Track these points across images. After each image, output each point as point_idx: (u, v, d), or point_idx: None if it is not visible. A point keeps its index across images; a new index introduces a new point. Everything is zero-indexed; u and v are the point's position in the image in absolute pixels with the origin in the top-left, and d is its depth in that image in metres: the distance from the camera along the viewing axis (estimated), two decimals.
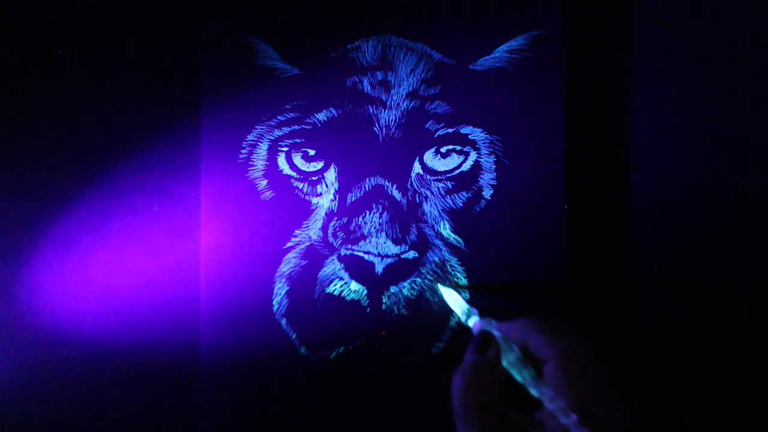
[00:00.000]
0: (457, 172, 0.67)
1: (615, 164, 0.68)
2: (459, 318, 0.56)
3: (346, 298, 0.67)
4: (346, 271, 0.67)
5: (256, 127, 0.68)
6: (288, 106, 0.68)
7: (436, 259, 0.67)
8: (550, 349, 0.48)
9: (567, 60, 0.66)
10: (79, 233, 0.69)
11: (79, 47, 0.70)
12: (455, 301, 0.58)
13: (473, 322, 0.55)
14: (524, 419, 0.48)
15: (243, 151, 0.68)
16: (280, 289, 0.68)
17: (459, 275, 0.67)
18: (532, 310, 0.66)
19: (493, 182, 0.67)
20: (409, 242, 0.67)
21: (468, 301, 0.56)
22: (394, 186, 0.67)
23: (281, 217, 0.68)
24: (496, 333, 0.52)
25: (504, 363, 0.50)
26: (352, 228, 0.67)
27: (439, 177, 0.67)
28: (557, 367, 0.47)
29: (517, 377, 0.49)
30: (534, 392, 0.48)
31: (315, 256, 0.68)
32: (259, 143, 0.68)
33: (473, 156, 0.67)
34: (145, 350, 0.69)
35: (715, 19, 0.68)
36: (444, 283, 0.65)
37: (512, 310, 0.67)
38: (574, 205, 0.67)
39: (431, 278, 0.67)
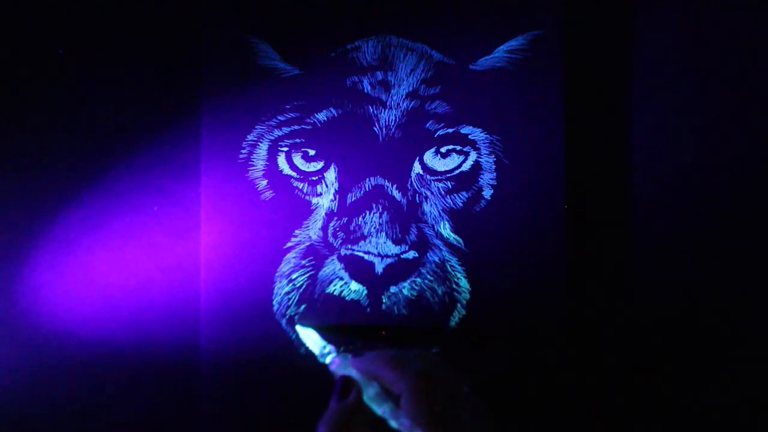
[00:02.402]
0: (457, 172, 0.67)
1: (615, 164, 0.68)
2: (317, 357, 0.56)
3: (346, 298, 0.67)
4: (346, 271, 0.67)
5: (256, 127, 0.68)
6: (288, 106, 0.68)
7: (436, 259, 0.67)
8: (399, 382, 0.49)
9: (567, 60, 0.66)
10: (79, 233, 0.69)
11: (79, 47, 0.70)
12: (312, 340, 0.59)
13: (330, 359, 0.56)
14: None
15: (243, 151, 0.68)
16: (280, 289, 0.68)
17: (459, 275, 0.67)
18: (531, 311, 0.66)
19: (493, 182, 0.67)
20: (409, 242, 0.67)
21: (325, 339, 0.56)
22: (394, 186, 0.67)
23: (281, 217, 0.68)
24: (353, 371, 0.53)
25: (365, 398, 0.51)
26: (352, 228, 0.67)
27: (439, 177, 0.67)
28: (410, 399, 0.48)
29: (377, 411, 0.50)
30: (394, 424, 0.49)
31: (315, 256, 0.68)
32: (259, 143, 0.68)
33: (473, 156, 0.67)
34: (145, 350, 0.69)
35: (716, 19, 0.68)
36: (303, 323, 0.66)
37: (511, 308, 0.67)
38: (574, 205, 0.67)
39: (431, 278, 0.67)
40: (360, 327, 0.67)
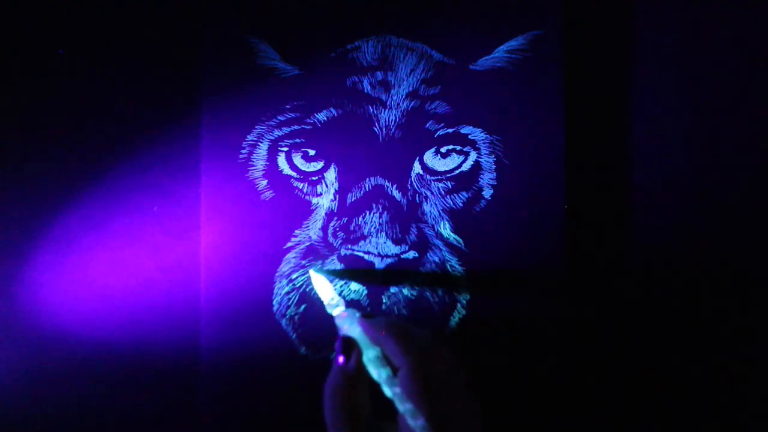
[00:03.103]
0: (457, 172, 0.67)
1: (615, 164, 0.68)
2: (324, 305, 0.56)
3: (346, 298, 0.67)
4: None
5: (256, 127, 0.68)
6: (288, 106, 0.68)
7: (436, 259, 0.67)
8: (402, 356, 0.49)
9: (567, 60, 0.66)
10: (79, 233, 0.69)
11: (79, 47, 0.70)
12: (323, 288, 0.59)
13: (338, 311, 0.55)
14: (393, 427, 0.49)
15: (243, 151, 0.68)
16: (280, 289, 0.68)
17: (459, 275, 0.67)
18: (531, 310, 0.66)
19: (493, 182, 0.67)
20: (409, 242, 0.67)
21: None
22: (394, 186, 0.67)
23: (281, 217, 0.68)
24: (357, 328, 0.52)
25: (364, 360, 0.51)
26: (352, 228, 0.67)
27: (439, 177, 0.67)
28: (408, 375, 0.48)
29: (373, 375, 0.50)
30: (387, 392, 0.49)
31: (315, 256, 0.68)
32: (259, 143, 0.68)
33: (473, 156, 0.67)
34: (145, 350, 0.69)
35: (716, 19, 0.68)
36: (318, 269, 0.65)
37: (511, 309, 0.67)
38: (574, 205, 0.67)
39: (431, 278, 0.67)
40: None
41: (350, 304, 0.67)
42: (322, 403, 0.51)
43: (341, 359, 0.51)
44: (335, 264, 0.68)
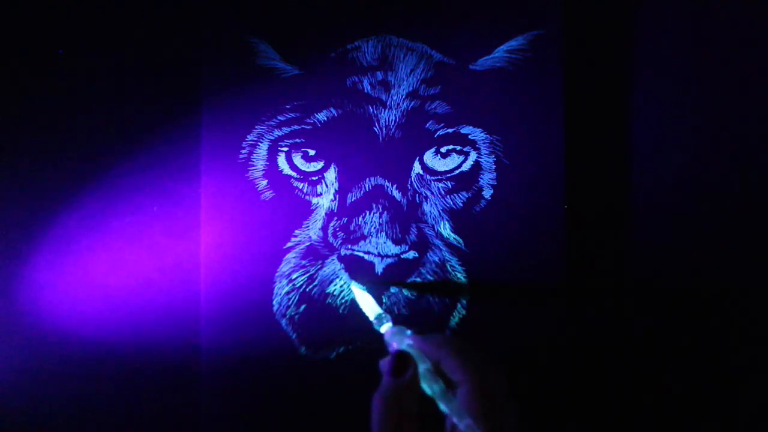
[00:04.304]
0: (457, 172, 0.67)
1: (615, 164, 0.68)
2: (371, 323, 0.56)
3: (346, 298, 0.67)
4: (346, 271, 0.67)
5: (256, 127, 0.68)
6: (288, 106, 0.68)
7: (436, 259, 0.67)
8: (463, 373, 0.49)
9: (567, 60, 0.66)
10: (79, 233, 0.69)
11: (79, 47, 0.70)
12: (367, 305, 0.58)
13: (386, 329, 0.55)
14: None
15: (243, 151, 0.68)
16: (280, 289, 0.68)
17: (459, 275, 0.67)
18: (531, 311, 0.66)
19: (493, 182, 0.67)
20: (409, 242, 0.67)
21: (382, 306, 0.56)
22: (394, 186, 0.67)
23: (281, 217, 0.68)
24: (407, 342, 0.53)
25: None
26: (352, 228, 0.67)
27: (439, 177, 0.67)
28: (470, 392, 0.48)
29: (426, 390, 0.50)
30: (443, 407, 0.49)
31: (315, 256, 0.68)
32: (259, 143, 0.68)
33: (473, 156, 0.67)
34: (145, 350, 0.69)
35: (716, 19, 0.68)
36: (358, 283, 0.64)
37: (511, 309, 0.67)
38: (574, 205, 0.67)
39: (431, 278, 0.67)
40: (360, 327, 0.67)
41: (353, 304, 0.67)
42: (368, 413, 0.50)
43: (394, 373, 0.51)
44: (335, 264, 0.68)
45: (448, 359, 0.50)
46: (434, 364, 0.51)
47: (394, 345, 0.53)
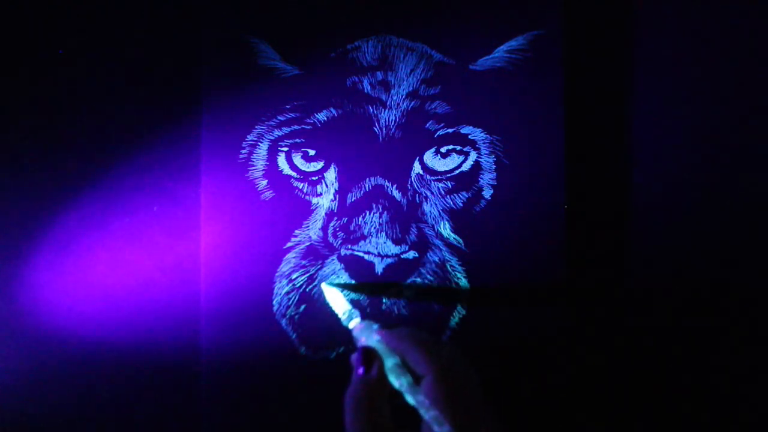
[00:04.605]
0: (457, 172, 0.67)
1: (615, 164, 0.68)
2: (340, 319, 0.56)
3: (346, 298, 0.67)
4: (346, 271, 0.67)
5: (256, 127, 0.68)
6: (288, 106, 0.68)
7: (436, 259, 0.67)
8: (427, 365, 0.50)
9: (567, 60, 0.66)
10: (79, 233, 0.69)
11: (79, 47, 0.70)
12: (337, 301, 0.59)
13: (354, 324, 0.56)
14: None
15: (243, 151, 0.68)
16: (280, 289, 0.68)
17: (459, 275, 0.67)
18: (531, 310, 0.66)
19: (493, 182, 0.67)
20: (409, 242, 0.67)
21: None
22: (394, 186, 0.67)
23: (281, 217, 0.68)
24: (375, 338, 0.53)
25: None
26: (352, 228, 0.67)
27: (439, 177, 0.67)
28: (434, 383, 0.49)
29: (394, 383, 0.50)
30: (410, 400, 0.50)
31: (315, 256, 0.68)
32: (259, 143, 0.68)
33: (473, 156, 0.67)
34: (145, 350, 0.69)
35: (716, 19, 0.68)
36: (329, 282, 0.65)
37: (511, 308, 0.67)
38: (574, 205, 0.67)
39: (431, 278, 0.67)
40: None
41: (353, 304, 0.67)
42: (342, 412, 0.51)
43: (361, 369, 0.52)
44: (335, 264, 0.68)
45: (412, 352, 0.51)
46: (402, 359, 0.51)
47: (363, 341, 0.54)
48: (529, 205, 0.67)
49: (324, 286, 0.62)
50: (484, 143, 0.67)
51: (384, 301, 0.67)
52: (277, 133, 0.68)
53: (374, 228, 0.67)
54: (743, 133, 0.67)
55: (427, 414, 0.48)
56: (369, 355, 0.52)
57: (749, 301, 0.67)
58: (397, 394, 0.50)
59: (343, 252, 0.67)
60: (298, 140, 0.68)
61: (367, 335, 0.54)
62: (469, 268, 0.67)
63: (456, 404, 0.48)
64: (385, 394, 0.51)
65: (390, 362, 0.51)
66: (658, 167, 0.68)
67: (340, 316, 0.58)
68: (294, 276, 0.68)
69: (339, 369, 0.67)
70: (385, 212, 0.67)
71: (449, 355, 0.51)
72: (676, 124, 0.68)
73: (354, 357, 0.53)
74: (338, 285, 0.66)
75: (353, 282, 0.66)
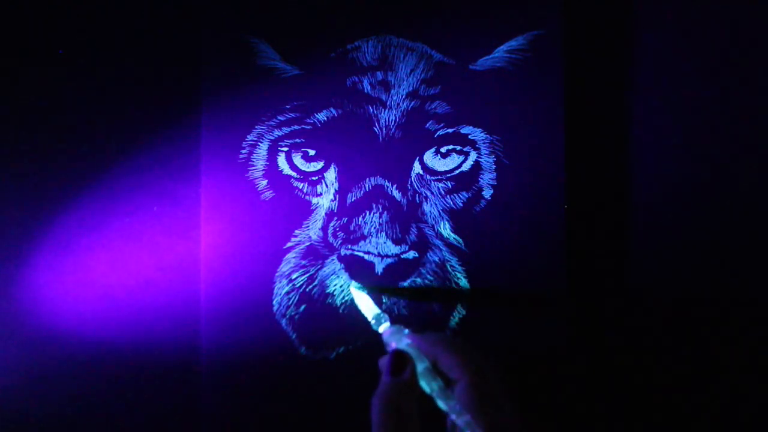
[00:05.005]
0: (457, 172, 0.67)
1: (615, 164, 0.68)
2: (369, 323, 0.56)
3: (346, 298, 0.67)
4: (346, 271, 0.67)
5: (256, 127, 0.68)
6: (288, 106, 0.68)
7: (436, 259, 0.67)
8: (461, 370, 0.50)
9: (567, 60, 0.66)
10: (79, 233, 0.69)
11: (79, 47, 0.70)
12: (366, 305, 0.59)
13: (384, 328, 0.55)
14: None
15: (243, 151, 0.68)
16: (280, 289, 0.68)
17: (459, 275, 0.67)
18: (531, 311, 0.66)
19: (493, 182, 0.67)
20: (409, 242, 0.67)
21: (380, 306, 0.56)
22: (394, 186, 0.67)
23: (281, 217, 0.68)
24: (406, 342, 0.53)
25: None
26: (352, 228, 0.67)
27: (439, 177, 0.67)
28: (468, 388, 0.49)
29: (425, 388, 0.50)
30: (441, 405, 0.49)
31: (315, 256, 0.68)
32: (259, 143, 0.68)
33: (473, 156, 0.67)
34: (145, 350, 0.69)
35: (716, 19, 0.68)
36: (357, 285, 0.65)
37: (511, 309, 0.67)
38: (574, 205, 0.67)
39: (431, 278, 0.67)
40: (359, 327, 0.67)
41: (353, 304, 0.67)
42: (368, 414, 0.50)
43: (393, 372, 0.51)
44: (335, 264, 0.68)
45: (445, 357, 0.50)
46: (432, 363, 0.51)
47: (393, 345, 0.53)
48: (529, 205, 0.67)
49: (353, 289, 0.61)
50: (484, 143, 0.67)
51: (384, 300, 0.67)
52: (277, 133, 0.68)
53: (374, 228, 0.67)
54: (743, 133, 0.67)
55: (460, 419, 0.48)
56: (402, 358, 0.52)
57: (750, 301, 0.67)
58: (426, 399, 0.50)
59: (343, 252, 0.67)
60: (298, 140, 0.68)
61: (397, 339, 0.54)
62: (469, 268, 0.67)
63: (489, 409, 0.48)
64: (415, 398, 0.50)
65: (420, 366, 0.51)
66: (658, 167, 0.68)
67: (369, 319, 0.57)
68: (294, 276, 0.68)
69: (339, 369, 0.67)
70: (385, 212, 0.67)
71: (483, 360, 0.50)
72: (676, 124, 0.68)
73: (383, 361, 0.52)
74: (366, 287, 0.65)
75: (377, 285, 0.66)
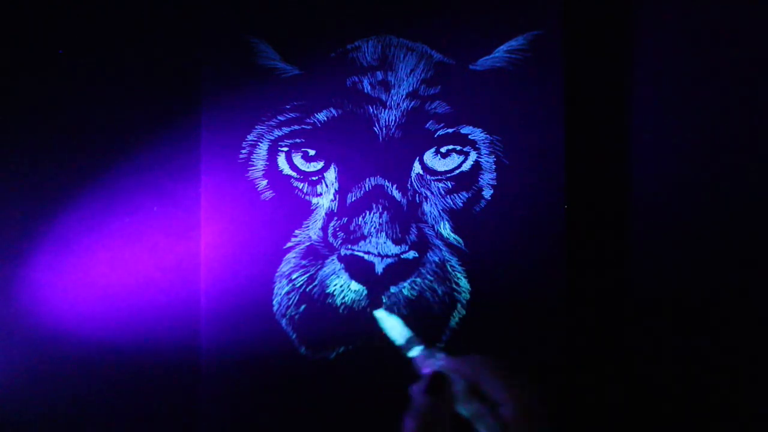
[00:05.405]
0: (457, 172, 0.67)
1: (615, 164, 0.68)
2: (400, 348, 0.55)
3: (346, 298, 0.67)
4: (346, 271, 0.67)
5: (256, 127, 0.68)
6: (288, 106, 0.68)
7: (436, 259, 0.67)
8: (505, 392, 0.49)
9: (567, 60, 0.66)
10: (79, 233, 0.69)
11: (79, 47, 0.70)
12: (395, 328, 0.57)
13: (417, 352, 0.54)
14: None
15: (243, 151, 0.68)
16: (280, 289, 0.68)
17: (459, 275, 0.67)
18: (531, 310, 0.66)
19: (493, 182, 0.67)
20: (409, 242, 0.67)
21: (411, 329, 0.55)
22: (394, 186, 0.67)
23: (281, 217, 0.68)
24: (440, 364, 0.52)
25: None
26: (352, 228, 0.67)
27: (439, 177, 0.67)
28: (515, 409, 0.48)
29: (462, 411, 0.50)
30: (481, 427, 0.49)
31: (315, 256, 0.68)
32: (259, 143, 0.68)
33: (473, 156, 0.67)
34: (145, 350, 0.69)
35: (716, 19, 0.68)
36: (385, 310, 0.64)
37: (511, 308, 0.67)
38: (574, 205, 0.67)
39: (431, 278, 0.67)
40: (359, 327, 0.67)
41: (353, 304, 0.67)
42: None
43: (429, 392, 0.51)
44: (335, 264, 0.68)
45: (489, 378, 0.50)
46: (469, 385, 0.51)
47: (427, 368, 0.52)
48: (529, 205, 0.67)
49: (378, 313, 0.60)
50: (484, 143, 0.67)
51: (384, 300, 0.67)
52: (277, 133, 0.68)
53: (374, 228, 0.67)
54: (743, 133, 0.67)
55: None
56: (439, 380, 0.51)
57: (750, 300, 0.67)
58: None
59: (343, 252, 0.67)
60: (298, 140, 0.68)
61: (431, 363, 0.53)
62: (469, 268, 0.67)
63: (532, 430, 0.48)
64: (449, 420, 0.50)
65: (456, 388, 0.51)
66: (658, 167, 0.68)
67: (399, 344, 0.56)
68: (294, 276, 0.68)
69: (339, 369, 0.67)
70: (385, 212, 0.67)
71: (526, 381, 0.50)
72: (676, 124, 0.68)
73: (415, 387, 0.51)
74: (391, 313, 0.64)
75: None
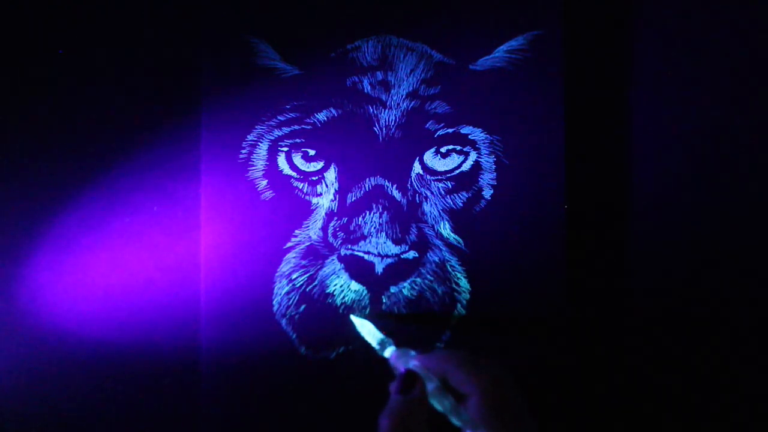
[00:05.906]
0: (457, 172, 0.67)
1: (615, 164, 0.68)
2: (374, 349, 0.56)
3: (346, 298, 0.67)
4: (346, 271, 0.67)
5: (256, 127, 0.68)
6: (288, 106, 0.68)
7: (436, 259, 0.67)
8: (472, 384, 0.49)
9: (567, 60, 0.66)
10: (79, 233, 0.69)
11: (79, 47, 0.70)
12: (369, 332, 0.59)
13: (389, 353, 0.55)
14: None
15: (243, 151, 0.68)
16: (280, 289, 0.68)
17: (459, 275, 0.67)
18: (531, 310, 0.66)
19: (493, 182, 0.67)
20: (409, 242, 0.67)
21: (382, 331, 0.56)
22: (394, 186, 0.67)
23: (281, 217, 0.68)
24: (413, 363, 0.52)
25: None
26: (352, 228, 0.67)
27: (439, 177, 0.67)
28: (481, 401, 0.49)
29: (437, 406, 0.50)
30: (455, 421, 0.49)
31: (315, 256, 0.68)
32: (259, 143, 0.68)
33: (473, 156, 0.67)
34: (145, 350, 0.69)
35: (716, 18, 0.68)
36: (356, 314, 0.65)
37: (511, 309, 0.67)
38: (574, 205, 0.67)
39: (431, 278, 0.67)
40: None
41: (353, 304, 0.67)
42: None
43: (402, 391, 0.51)
44: (335, 264, 0.68)
45: (456, 372, 0.50)
46: (442, 381, 0.51)
47: (401, 368, 0.53)
48: (529, 205, 0.67)
49: (353, 317, 0.62)
50: (484, 143, 0.67)
51: (384, 301, 0.67)
52: (277, 133, 0.68)
53: (374, 228, 0.67)
54: (743, 133, 0.67)
55: None
56: (412, 377, 0.51)
57: (750, 300, 0.67)
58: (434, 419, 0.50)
59: (343, 252, 0.67)
60: (298, 140, 0.68)
61: (404, 362, 0.53)
62: (469, 268, 0.67)
63: (504, 421, 0.48)
64: (424, 417, 0.50)
65: (431, 386, 0.51)
66: (658, 167, 0.68)
67: (373, 346, 0.57)
68: (294, 276, 0.68)
69: (339, 369, 0.67)
70: (385, 212, 0.67)
71: (494, 372, 0.50)
72: (676, 124, 0.68)
73: (393, 385, 0.52)
74: (365, 316, 0.65)
75: (369, 306, 0.66)
